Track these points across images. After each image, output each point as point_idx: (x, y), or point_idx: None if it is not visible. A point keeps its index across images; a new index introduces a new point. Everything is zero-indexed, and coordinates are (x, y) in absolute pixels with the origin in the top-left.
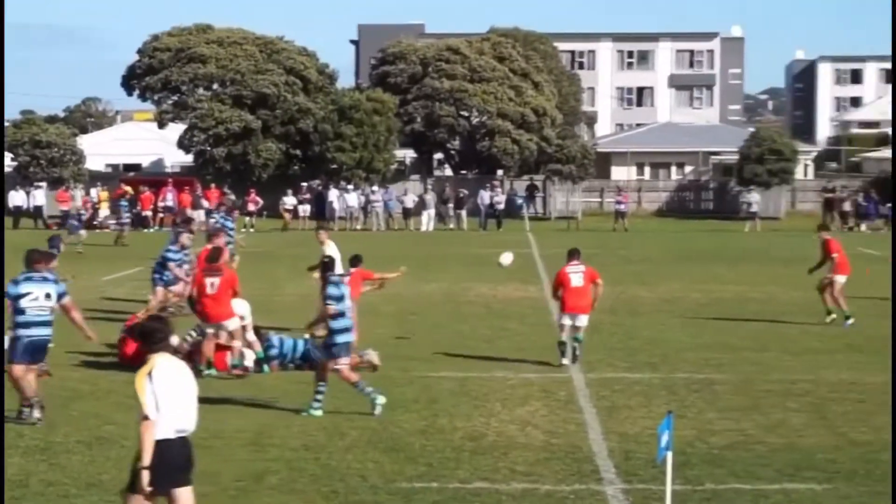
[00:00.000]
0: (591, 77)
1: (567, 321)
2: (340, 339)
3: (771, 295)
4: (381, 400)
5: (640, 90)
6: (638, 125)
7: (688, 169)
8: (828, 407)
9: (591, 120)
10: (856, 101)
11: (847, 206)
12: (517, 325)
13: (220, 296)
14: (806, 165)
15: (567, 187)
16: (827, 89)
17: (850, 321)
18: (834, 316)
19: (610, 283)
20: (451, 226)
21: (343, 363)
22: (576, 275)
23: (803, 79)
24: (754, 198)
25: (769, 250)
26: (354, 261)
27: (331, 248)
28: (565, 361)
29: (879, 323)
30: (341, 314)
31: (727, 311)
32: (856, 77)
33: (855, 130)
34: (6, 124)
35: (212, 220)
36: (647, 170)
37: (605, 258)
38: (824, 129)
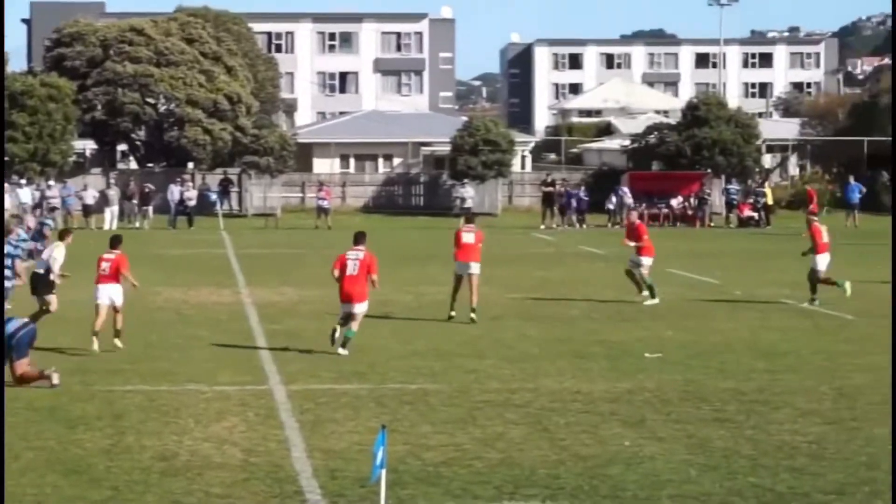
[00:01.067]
0: (290, 61)
1: (342, 309)
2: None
3: (486, 297)
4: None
5: (344, 75)
6: (342, 113)
7: (396, 161)
8: (549, 418)
9: (290, 108)
10: (575, 88)
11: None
12: (211, 332)
13: None
14: (524, 157)
15: (265, 181)
16: (544, 75)
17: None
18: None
19: (313, 285)
20: (137, 224)
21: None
22: (351, 261)
23: (519, 64)
24: (468, 192)
25: (488, 249)
26: None
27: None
28: (340, 351)
29: (602, 328)
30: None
31: (441, 315)
32: (575, 62)
33: (575, 119)
34: None
35: None
36: (352, 162)
37: (309, 258)
38: (542, 118)
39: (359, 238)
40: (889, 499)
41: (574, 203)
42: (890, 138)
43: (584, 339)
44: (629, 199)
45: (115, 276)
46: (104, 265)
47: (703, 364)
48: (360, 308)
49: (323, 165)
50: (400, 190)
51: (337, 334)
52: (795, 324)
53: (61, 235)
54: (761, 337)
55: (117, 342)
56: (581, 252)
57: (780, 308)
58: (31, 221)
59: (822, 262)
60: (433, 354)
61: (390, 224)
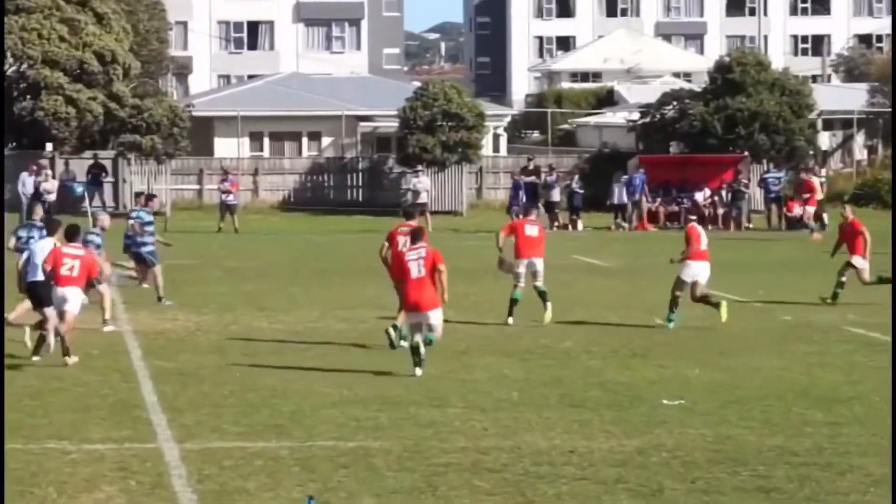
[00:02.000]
0: (183, 7)
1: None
2: None
3: (449, 325)
4: None
5: (254, 26)
6: (252, 77)
7: (326, 141)
8: (534, 487)
9: (182, 69)
10: (565, 43)
11: (556, 195)
12: (78, 370)
13: None
14: (497, 136)
15: (149, 168)
16: (524, 25)
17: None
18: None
19: (216, 309)
20: None
21: None
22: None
23: (489, 10)
24: (422, 183)
25: (451, 261)
26: None
27: None
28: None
29: (605, 365)
30: None
31: (385, 348)
32: (565, 7)
33: (566, 85)
34: None
35: None
36: (266, 143)
37: (206, 271)
38: (522, 84)
39: (416, 236)
40: None
41: (555, 196)
42: None
43: (581, 381)
44: (641, 193)
45: (82, 277)
46: (69, 262)
47: (740, 414)
48: (434, 317)
49: (228, 147)
50: (331, 180)
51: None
52: (863, 360)
53: (51, 229)
54: (818, 378)
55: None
56: (576, 263)
57: (842, 339)
58: None
59: (689, 273)
60: (378, 401)
61: (318, 226)
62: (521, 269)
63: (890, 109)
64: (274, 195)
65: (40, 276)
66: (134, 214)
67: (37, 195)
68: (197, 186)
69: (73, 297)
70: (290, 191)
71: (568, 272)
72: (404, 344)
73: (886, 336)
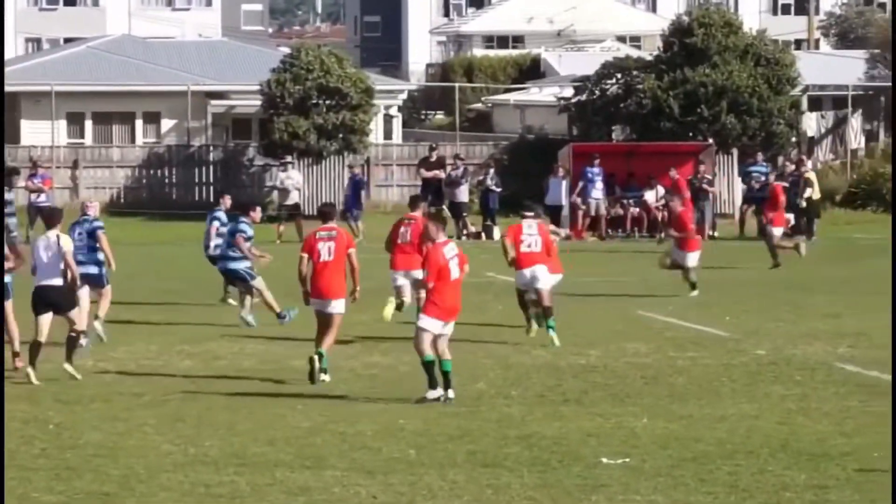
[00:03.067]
0: None
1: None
2: None
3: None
4: None
5: None
6: (69, 41)
7: (167, 125)
8: None
9: None
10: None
11: (464, 195)
12: None
13: None
14: (390, 118)
15: None
16: None
17: None
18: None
19: (22, 344)
20: None
21: None
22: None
23: None
24: (292, 179)
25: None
26: None
27: None
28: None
29: (527, 413)
30: None
31: (247, 389)
32: None
33: (479, 52)
34: None
35: None
36: (89, 127)
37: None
38: (422, 50)
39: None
40: None
41: (463, 196)
42: None
43: (497, 434)
44: (598, 189)
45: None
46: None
47: (699, 476)
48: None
49: (38, 132)
50: (174, 175)
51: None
52: (858, 405)
53: (51, 221)
54: (800, 428)
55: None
56: (491, 283)
57: (831, 378)
58: None
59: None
60: (234, 462)
61: (157, 234)
62: (402, 282)
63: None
64: (99, 194)
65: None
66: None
67: None
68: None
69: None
70: (119, 189)
71: (481, 292)
72: (325, 378)
73: (887, 374)
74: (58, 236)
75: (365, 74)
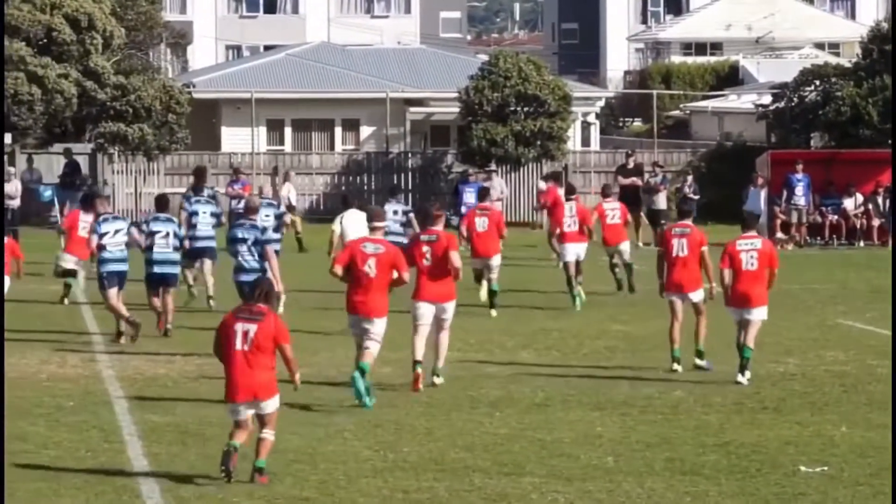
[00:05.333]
0: None
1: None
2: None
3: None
4: None
5: None
6: (269, 49)
7: (365, 132)
8: None
9: (180, 39)
10: (676, 5)
11: (662, 202)
12: (48, 428)
13: None
14: (587, 125)
15: (137, 166)
16: None
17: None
18: None
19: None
20: None
21: None
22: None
23: None
24: (496, 187)
25: (521, 284)
26: None
27: None
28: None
29: (726, 420)
30: None
31: None
32: None
33: (676, 59)
34: None
35: None
36: (288, 134)
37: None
38: (619, 58)
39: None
40: None
41: (661, 203)
42: None
43: (695, 442)
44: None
45: None
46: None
47: None
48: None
49: (238, 139)
50: (372, 182)
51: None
52: None
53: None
54: None
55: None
56: None
57: None
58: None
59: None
60: (432, 468)
61: None
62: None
63: None
64: (298, 201)
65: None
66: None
67: None
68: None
69: None
70: (319, 195)
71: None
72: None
73: None
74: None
75: (563, 81)
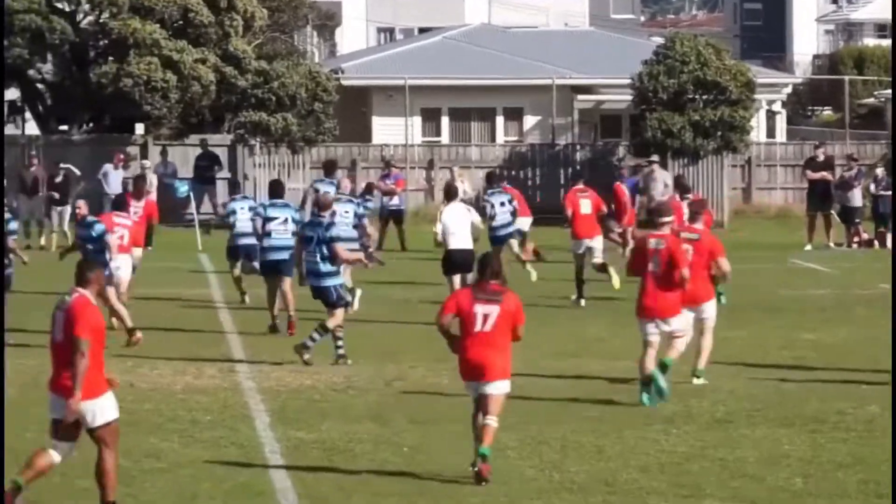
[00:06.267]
0: None
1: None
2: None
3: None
4: None
5: None
6: (424, 31)
7: (529, 122)
8: None
9: (327, 21)
10: None
11: (857, 199)
12: (183, 445)
13: None
14: (772, 115)
15: (281, 159)
16: None
17: None
18: None
19: (375, 357)
20: (42, 241)
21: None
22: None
23: None
24: (658, 180)
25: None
26: None
27: None
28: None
29: None
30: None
31: None
32: None
33: (871, 41)
34: None
35: None
36: (445, 124)
37: (365, 304)
38: (808, 41)
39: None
40: None
41: (856, 200)
42: None
43: (891, 461)
44: None
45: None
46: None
47: None
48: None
49: (391, 130)
50: (537, 177)
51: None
52: None
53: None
54: None
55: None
56: (883, 295)
57: None
58: None
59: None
60: (602, 488)
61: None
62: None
63: None
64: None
65: None
66: None
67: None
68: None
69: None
70: (479, 191)
71: (869, 306)
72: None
73: None
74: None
75: (745, 67)
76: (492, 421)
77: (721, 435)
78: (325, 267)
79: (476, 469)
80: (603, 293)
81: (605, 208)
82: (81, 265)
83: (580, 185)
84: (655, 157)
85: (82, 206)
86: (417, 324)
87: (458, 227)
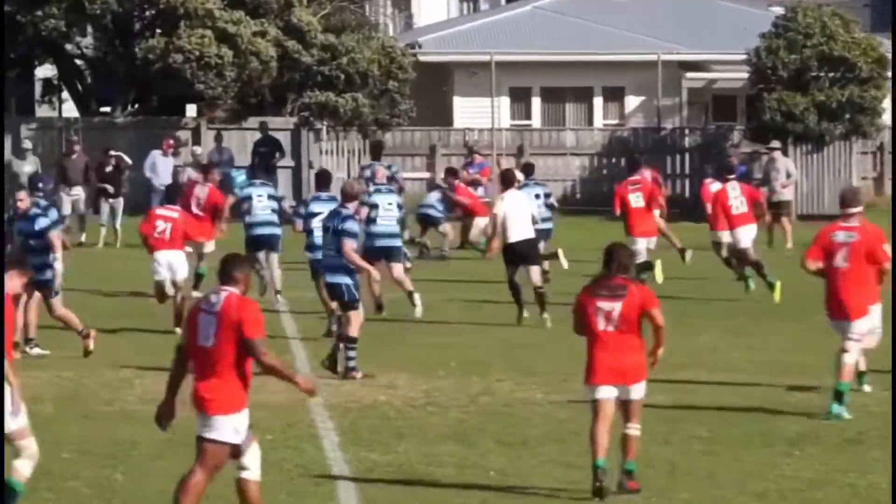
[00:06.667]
0: None
1: None
2: None
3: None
4: None
5: None
6: (511, 1)
7: (632, 103)
8: None
9: None
10: None
11: None
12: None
13: None
14: None
15: (350, 145)
16: None
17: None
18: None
19: (459, 370)
20: (83, 236)
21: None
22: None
23: None
24: (781, 169)
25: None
26: None
27: None
28: None
29: None
30: None
31: None
32: None
33: None
34: None
35: None
36: (536, 105)
37: (443, 310)
38: None
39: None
40: None
41: None
42: None
43: None
44: None
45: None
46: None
47: None
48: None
49: (475, 112)
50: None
51: None
52: None
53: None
54: None
55: None
56: None
57: None
58: None
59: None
60: None
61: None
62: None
63: None
64: (555, 189)
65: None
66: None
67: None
68: (425, 174)
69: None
70: (575, 181)
71: None
72: None
73: None
74: None
75: (877, 41)
76: (635, 430)
77: (851, 458)
78: (340, 261)
79: (624, 486)
80: (722, 295)
81: (661, 199)
82: (227, 262)
83: (636, 176)
84: (776, 143)
85: (24, 198)
86: (499, 325)
87: (519, 216)
